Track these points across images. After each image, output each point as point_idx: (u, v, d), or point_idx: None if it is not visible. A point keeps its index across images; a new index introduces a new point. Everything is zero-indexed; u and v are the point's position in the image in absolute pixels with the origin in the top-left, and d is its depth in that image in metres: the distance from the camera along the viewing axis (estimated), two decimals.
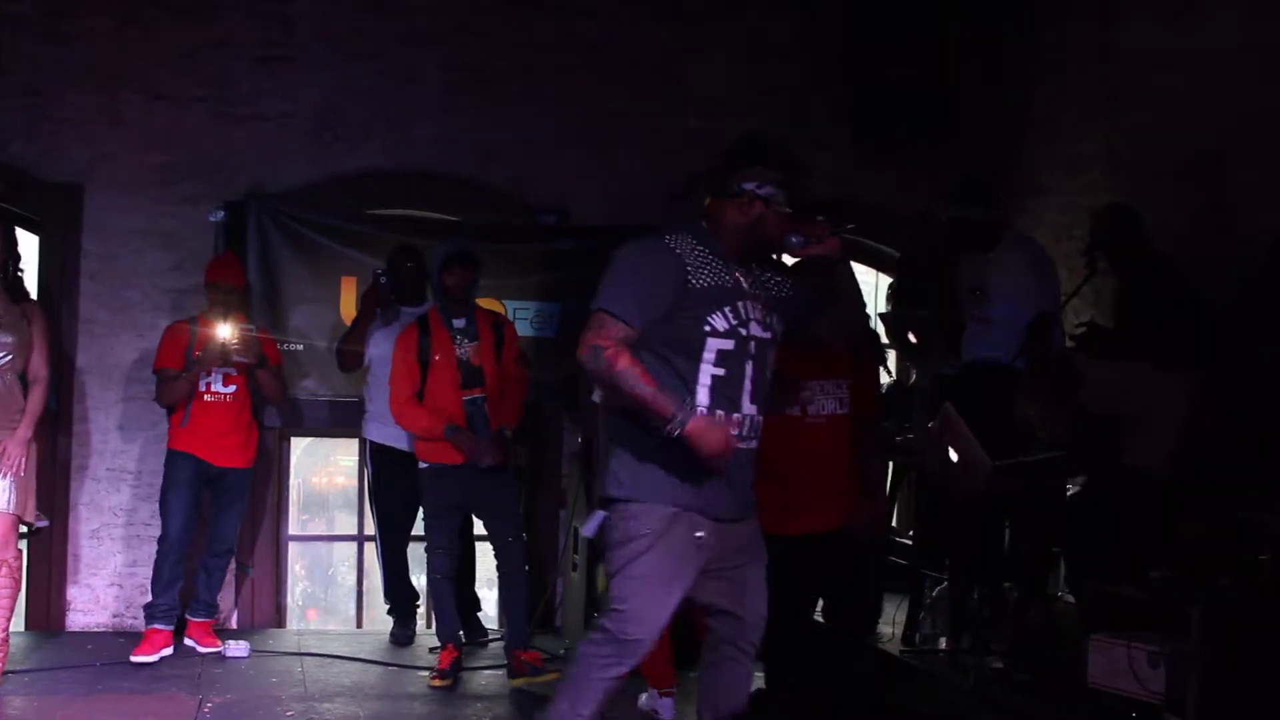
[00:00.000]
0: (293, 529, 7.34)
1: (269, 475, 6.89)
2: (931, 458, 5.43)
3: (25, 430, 5.38)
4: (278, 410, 6.62)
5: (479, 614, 6.75)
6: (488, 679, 5.92)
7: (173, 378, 6.05)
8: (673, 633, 5.32)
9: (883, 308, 7.05)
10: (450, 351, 5.81)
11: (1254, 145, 5.56)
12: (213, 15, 6.87)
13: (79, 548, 6.75)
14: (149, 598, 6.14)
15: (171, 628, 6.12)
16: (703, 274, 3.53)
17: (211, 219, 6.73)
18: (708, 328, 3.52)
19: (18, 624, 6.16)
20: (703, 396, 3.52)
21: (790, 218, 3.56)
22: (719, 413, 3.51)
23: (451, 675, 5.77)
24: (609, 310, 3.51)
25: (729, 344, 3.53)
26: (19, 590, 5.59)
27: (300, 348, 6.84)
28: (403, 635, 6.58)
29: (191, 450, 6.07)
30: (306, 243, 6.86)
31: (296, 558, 7.63)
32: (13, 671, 5.64)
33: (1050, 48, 7.12)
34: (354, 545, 7.51)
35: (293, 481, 7.43)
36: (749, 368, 3.56)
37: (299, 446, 7.59)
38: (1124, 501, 4.94)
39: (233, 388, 6.11)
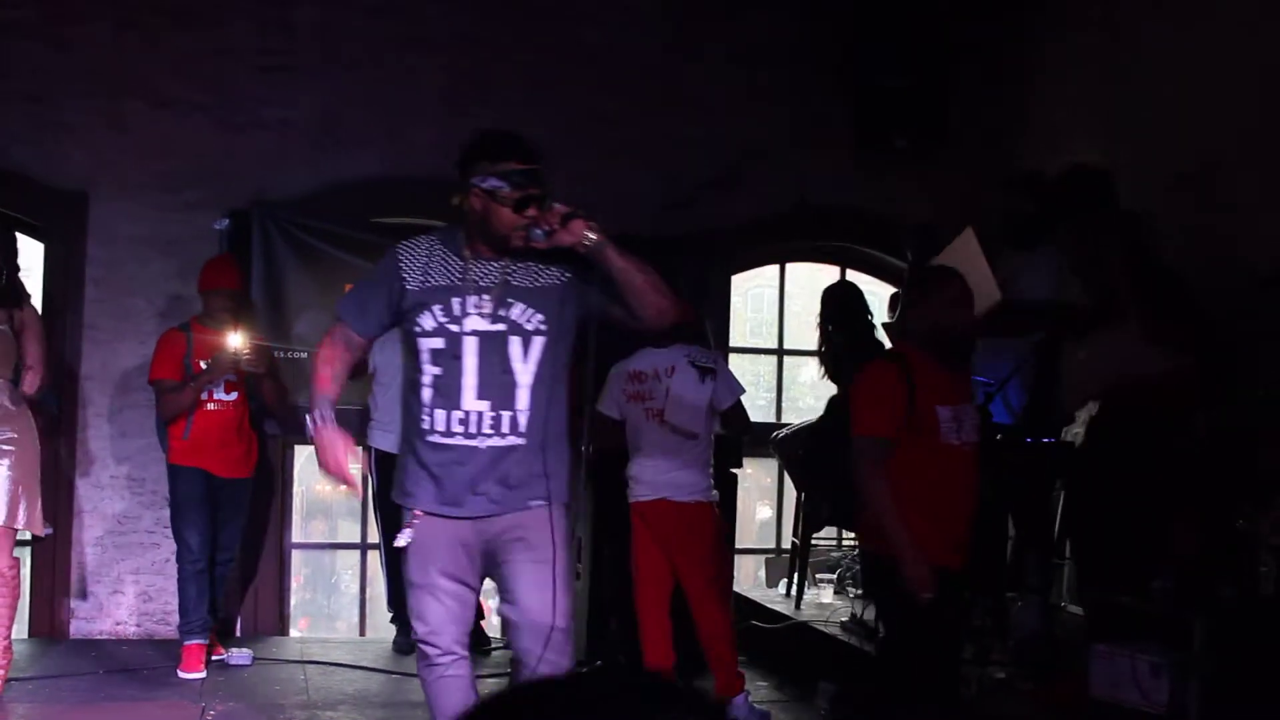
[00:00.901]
0: (295, 537, 7.35)
1: (272, 484, 6.89)
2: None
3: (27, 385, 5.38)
4: (278, 419, 6.61)
5: (481, 622, 6.75)
6: (489, 687, 5.92)
7: (173, 388, 5.94)
8: (675, 641, 5.38)
9: (885, 317, 7.05)
10: None
11: (1254, 154, 5.57)
12: (215, 23, 6.88)
13: (82, 555, 6.75)
14: (154, 606, 6.13)
15: (207, 640, 6.11)
16: (430, 274, 3.57)
17: (216, 226, 6.74)
18: (416, 328, 3.55)
19: (21, 631, 6.16)
20: (426, 396, 3.54)
21: (522, 209, 3.49)
22: (439, 411, 3.53)
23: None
24: (338, 314, 3.80)
25: (439, 342, 3.54)
26: (18, 599, 5.58)
27: (305, 355, 6.85)
28: (406, 643, 6.58)
29: (197, 464, 5.98)
30: (310, 250, 6.87)
31: (299, 566, 7.63)
32: (16, 679, 5.64)
33: (1050, 56, 7.13)
34: (357, 553, 7.52)
35: (296, 490, 7.43)
36: (470, 363, 3.52)
37: (302, 455, 7.59)
38: (1124, 510, 4.95)
39: (234, 394, 6.04)
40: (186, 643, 5.98)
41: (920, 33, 7.18)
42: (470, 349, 3.52)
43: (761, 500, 8.40)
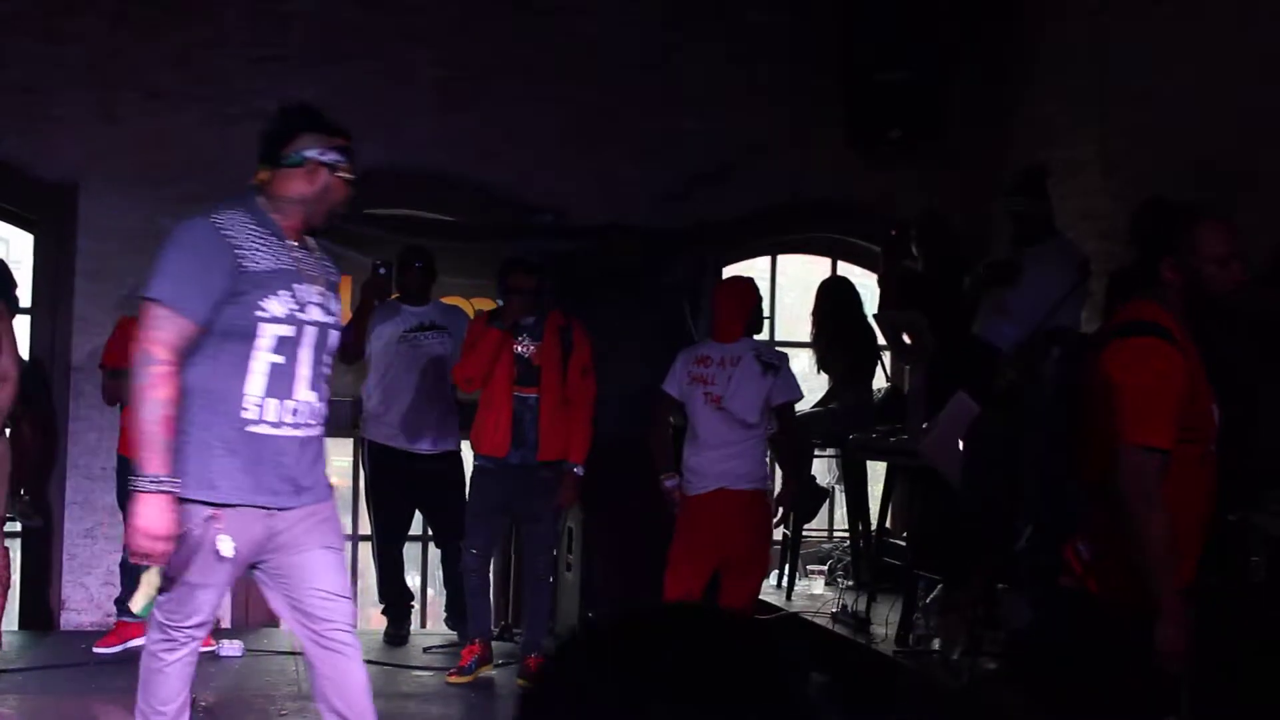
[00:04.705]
0: None
1: None
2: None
3: None
4: None
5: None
6: (483, 677, 5.91)
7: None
8: None
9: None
10: (510, 345, 5.67)
11: (1250, 148, 5.57)
12: (208, 15, 6.88)
13: (73, 546, 6.74)
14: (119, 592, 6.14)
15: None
16: (260, 255, 3.35)
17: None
18: (263, 313, 3.32)
19: (11, 623, 6.15)
20: (256, 385, 3.33)
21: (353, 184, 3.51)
22: (271, 400, 3.35)
23: (471, 672, 5.76)
24: (161, 300, 3.26)
25: (288, 330, 3.38)
26: (9, 589, 5.56)
27: None
28: (397, 635, 6.58)
29: None
30: None
31: None
32: (6, 670, 5.64)
33: (1045, 50, 7.14)
34: (347, 545, 7.51)
35: None
36: (306, 354, 3.42)
37: None
38: None
39: None
40: (119, 619, 6.01)
41: (916, 27, 7.18)
42: (308, 339, 3.43)
43: None
